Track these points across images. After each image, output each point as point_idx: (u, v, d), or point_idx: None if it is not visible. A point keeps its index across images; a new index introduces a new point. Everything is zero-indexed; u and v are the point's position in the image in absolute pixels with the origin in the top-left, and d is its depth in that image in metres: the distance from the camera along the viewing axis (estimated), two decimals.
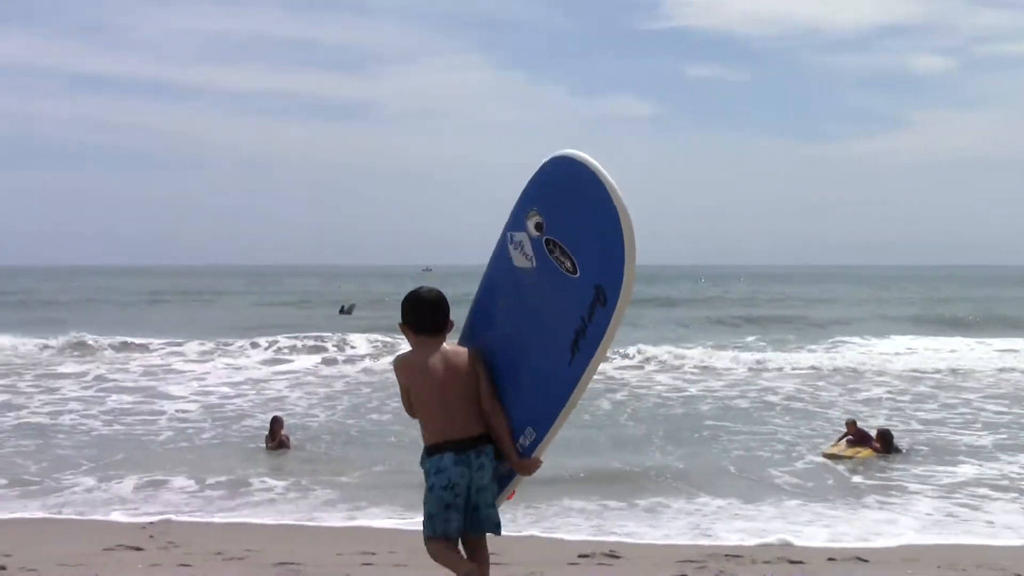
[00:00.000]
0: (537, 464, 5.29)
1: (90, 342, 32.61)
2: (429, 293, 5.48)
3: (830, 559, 9.36)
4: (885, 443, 15.76)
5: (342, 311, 52.54)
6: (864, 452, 15.57)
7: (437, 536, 5.29)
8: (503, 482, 5.41)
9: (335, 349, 32.28)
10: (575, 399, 5.00)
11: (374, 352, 31.78)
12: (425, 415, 5.36)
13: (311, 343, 33.06)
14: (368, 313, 50.15)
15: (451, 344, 5.46)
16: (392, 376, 5.67)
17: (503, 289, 5.42)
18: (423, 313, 5.41)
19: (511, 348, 5.29)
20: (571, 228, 4.92)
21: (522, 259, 5.20)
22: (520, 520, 11.86)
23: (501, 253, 5.39)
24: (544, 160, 5.16)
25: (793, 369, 27.70)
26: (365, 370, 28.20)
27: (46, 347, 31.97)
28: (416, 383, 5.35)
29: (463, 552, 5.37)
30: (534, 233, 5.10)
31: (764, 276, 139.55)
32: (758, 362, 28.56)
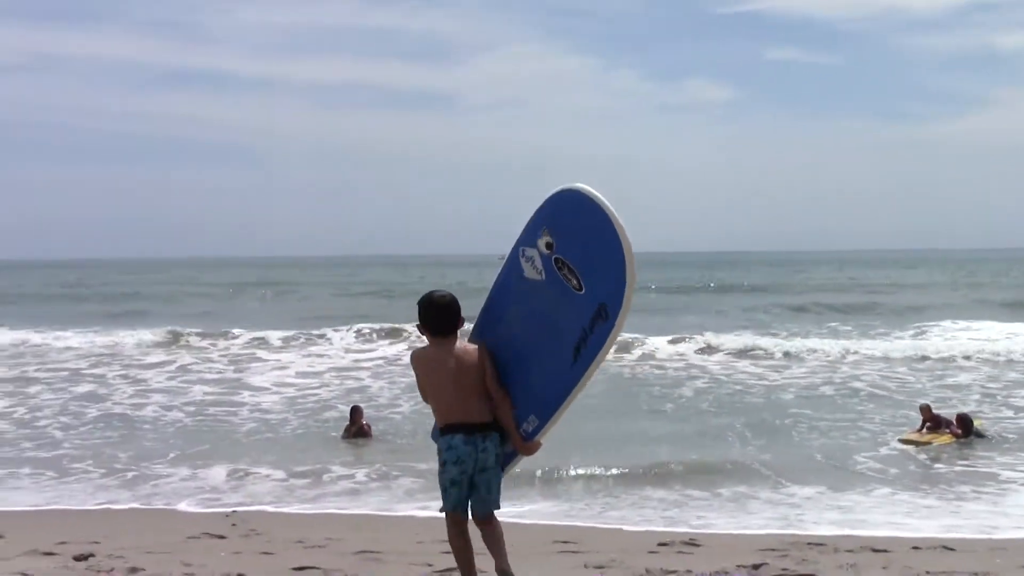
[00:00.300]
0: (537, 446, 6.07)
1: (173, 334, 32.95)
2: (442, 299, 6.22)
3: (915, 548, 9.18)
4: (964, 428, 15.43)
5: None
6: (942, 438, 15.28)
7: (450, 511, 6.15)
8: (507, 460, 6.19)
9: (416, 339, 32.23)
10: (575, 395, 5.82)
11: None
12: (439, 402, 6.16)
13: (391, 333, 33.14)
14: None
15: (462, 342, 6.19)
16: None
17: (513, 295, 6.19)
18: (437, 316, 6.18)
19: (519, 346, 6.07)
20: (579, 252, 5.72)
21: (532, 271, 5.99)
22: (600, 509, 11.83)
23: (513, 264, 6.17)
24: (555, 189, 5.93)
25: (878, 356, 27.17)
26: None
27: (131, 338, 32.40)
28: (431, 375, 6.15)
29: (470, 534, 6.21)
30: (544, 251, 5.89)
31: (846, 261, 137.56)
32: (842, 349, 28.00)
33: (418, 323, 6.25)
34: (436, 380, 6.14)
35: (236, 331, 32.99)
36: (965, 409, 17.15)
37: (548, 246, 5.85)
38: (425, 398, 6.29)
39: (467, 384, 6.04)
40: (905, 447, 15.21)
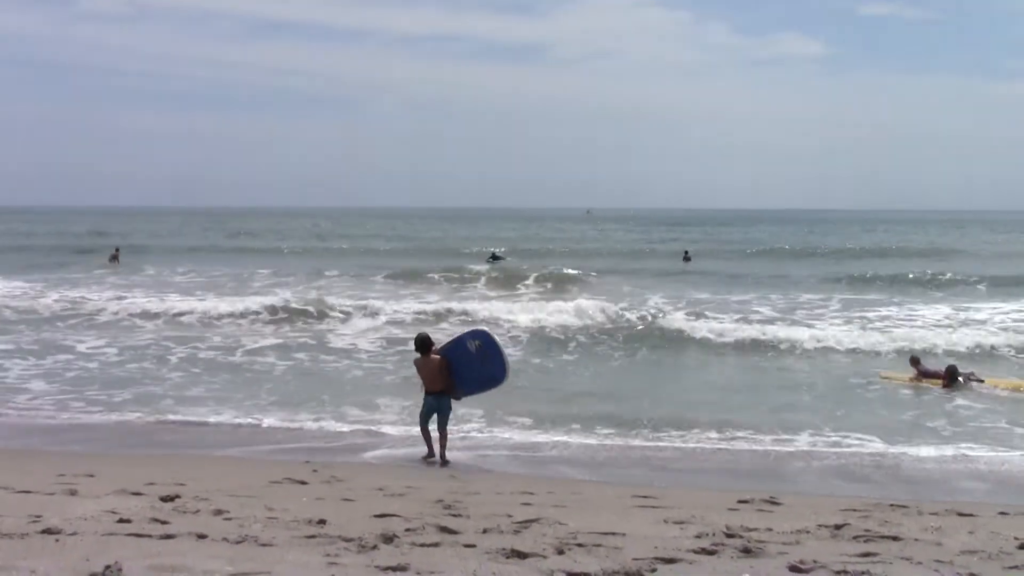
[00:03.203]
0: (460, 398, 12.50)
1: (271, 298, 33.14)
2: (420, 337, 12.64)
3: (1001, 513, 9.00)
4: (950, 377, 17.02)
5: (493, 258, 53.03)
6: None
7: (423, 426, 12.27)
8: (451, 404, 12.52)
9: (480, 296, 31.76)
10: (472, 394, 12.67)
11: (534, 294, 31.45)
12: (423, 381, 12.44)
13: (470, 292, 32.92)
14: (519, 261, 50.03)
15: (434, 356, 12.31)
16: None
17: (463, 353, 12.35)
18: (419, 346, 12.49)
19: (461, 365, 12.29)
20: (488, 352, 12.32)
21: (472, 348, 12.34)
22: (680, 466, 11.82)
23: (464, 339, 12.55)
24: (478, 327, 14.92)
25: (980, 321, 26.29)
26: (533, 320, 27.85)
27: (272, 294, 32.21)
28: (420, 370, 12.50)
29: (435, 443, 12.24)
30: (476, 345, 12.34)
31: (946, 222, 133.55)
32: (942, 319, 27.04)
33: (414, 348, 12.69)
34: (422, 372, 12.43)
35: (314, 285, 33.17)
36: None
37: (477, 348, 12.29)
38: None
39: (434, 374, 12.27)
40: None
